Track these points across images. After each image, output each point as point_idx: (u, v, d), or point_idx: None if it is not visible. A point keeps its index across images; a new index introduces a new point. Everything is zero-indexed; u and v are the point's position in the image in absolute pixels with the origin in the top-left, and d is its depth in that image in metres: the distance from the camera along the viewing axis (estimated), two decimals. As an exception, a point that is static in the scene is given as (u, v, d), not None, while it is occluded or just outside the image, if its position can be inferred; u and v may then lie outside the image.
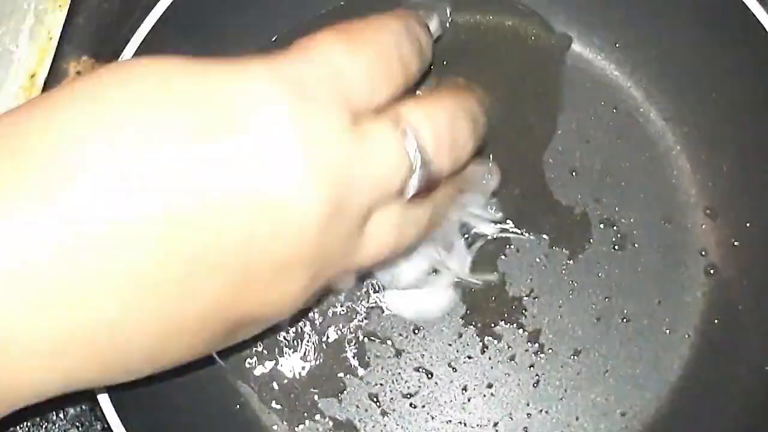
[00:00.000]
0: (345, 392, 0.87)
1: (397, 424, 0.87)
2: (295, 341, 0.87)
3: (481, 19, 0.95)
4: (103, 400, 0.73)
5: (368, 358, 0.88)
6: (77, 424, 0.90)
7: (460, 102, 0.61)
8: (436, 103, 0.58)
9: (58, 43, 0.94)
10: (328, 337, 0.88)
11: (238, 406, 0.86)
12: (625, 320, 0.89)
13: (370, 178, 0.52)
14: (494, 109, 0.73)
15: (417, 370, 0.88)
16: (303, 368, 0.87)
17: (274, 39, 0.93)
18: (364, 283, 0.88)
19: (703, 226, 0.92)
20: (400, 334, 0.88)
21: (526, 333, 0.89)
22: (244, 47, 0.92)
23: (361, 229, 0.54)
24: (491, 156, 0.91)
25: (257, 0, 0.90)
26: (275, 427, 0.87)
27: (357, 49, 0.56)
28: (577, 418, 0.87)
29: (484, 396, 0.88)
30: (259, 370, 0.87)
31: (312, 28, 0.89)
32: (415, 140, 0.54)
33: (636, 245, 0.91)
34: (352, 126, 0.51)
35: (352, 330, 0.88)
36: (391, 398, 0.87)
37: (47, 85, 0.93)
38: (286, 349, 0.87)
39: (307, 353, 0.87)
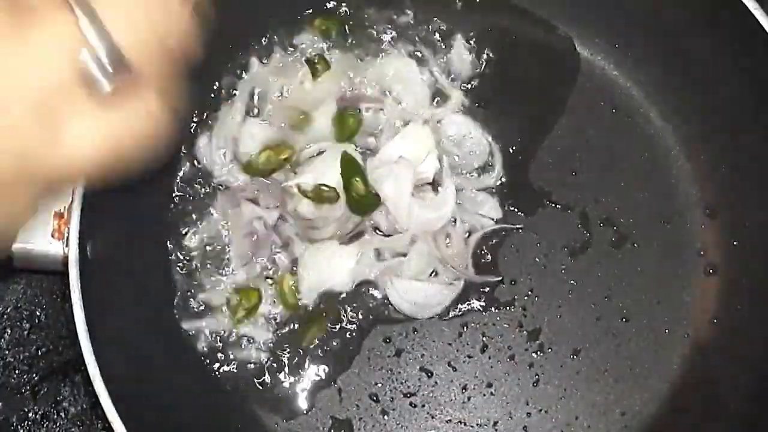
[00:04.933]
0: (345, 391, 0.87)
1: (397, 423, 0.87)
2: (295, 341, 0.88)
3: (481, 19, 0.96)
4: (104, 399, 0.73)
5: (368, 357, 0.88)
6: (78, 423, 0.90)
7: None
8: None
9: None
10: (328, 337, 0.88)
11: (237, 404, 0.87)
12: (624, 320, 0.89)
13: (24, 68, 0.47)
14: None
15: (417, 369, 0.88)
16: (303, 368, 0.87)
17: (270, 43, 0.93)
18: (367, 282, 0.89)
19: (703, 226, 0.92)
20: (400, 334, 0.88)
21: (526, 332, 0.89)
22: (242, 51, 0.93)
23: (46, 129, 0.49)
24: (494, 153, 0.92)
25: (254, 6, 0.90)
26: (276, 426, 0.87)
27: None
28: (576, 418, 0.88)
29: (484, 395, 0.88)
30: (258, 370, 0.87)
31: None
32: (94, 21, 0.47)
33: (635, 245, 0.91)
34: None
35: (352, 330, 0.88)
36: (392, 397, 0.88)
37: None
38: (286, 349, 0.88)
39: (307, 353, 0.87)
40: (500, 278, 0.89)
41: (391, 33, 0.95)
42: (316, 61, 0.91)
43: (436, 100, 0.93)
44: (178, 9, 0.55)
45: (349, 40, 0.94)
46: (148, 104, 0.54)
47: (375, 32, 0.94)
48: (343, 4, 0.94)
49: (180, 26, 0.55)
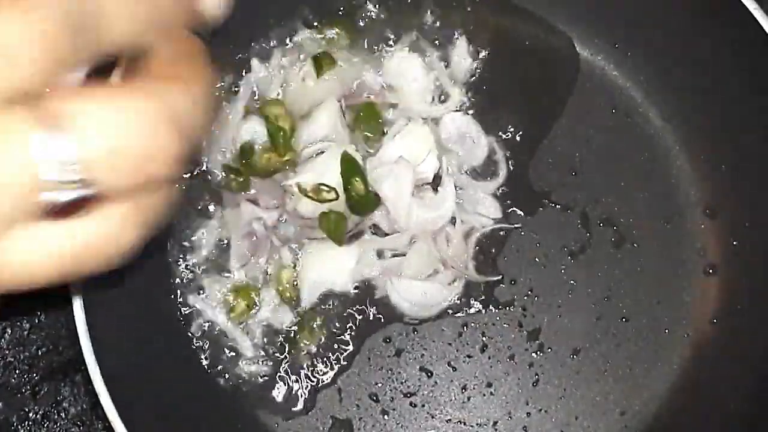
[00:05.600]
0: (345, 391, 0.87)
1: (397, 423, 0.87)
2: (295, 341, 0.88)
3: (481, 19, 0.95)
4: (104, 399, 0.74)
5: (368, 357, 0.88)
6: (78, 423, 0.90)
7: (165, 95, 0.43)
8: (125, 95, 0.42)
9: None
10: (328, 337, 0.88)
11: (238, 404, 0.87)
12: (624, 320, 0.90)
13: None
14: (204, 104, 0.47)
15: (417, 369, 0.88)
16: (303, 368, 0.87)
17: (270, 41, 0.93)
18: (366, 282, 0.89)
19: (703, 226, 0.92)
20: (401, 334, 0.89)
21: (526, 332, 0.89)
22: (241, 50, 0.93)
23: None
24: (498, 154, 0.92)
25: (254, 5, 0.90)
26: (276, 425, 0.87)
27: None
28: (576, 417, 0.88)
29: (484, 395, 0.88)
30: (258, 370, 0.87)
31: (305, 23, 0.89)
32: (64, 146, 0.40)
33: (635, 245, 0.91)
34: None
35: (352, 330, 0.88)
36: (392, 397, 0.88)
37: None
38: (285, 349, 0.88)
39: (306, 354, 0.88)
40: (500, 277, 0.89)
41: (392, 31, 0.95)
42: (321, 58, 0.92)
43: (436, 98, 0.93)
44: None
45: (352, 38, 0.94)
46: (118, 218, 0.44)
47: (376, 30, 0.95)
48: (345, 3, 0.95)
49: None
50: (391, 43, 0.94)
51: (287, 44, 0.94)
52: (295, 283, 0.88)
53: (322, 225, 0.86)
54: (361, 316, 0.88)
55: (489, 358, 0.88)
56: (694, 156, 0.93)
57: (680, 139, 0.94)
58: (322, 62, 0.91)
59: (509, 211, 0.91)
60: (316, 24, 0.94)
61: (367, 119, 0.90)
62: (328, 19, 0.94)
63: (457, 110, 0.93)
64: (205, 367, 0.87)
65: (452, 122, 0.92)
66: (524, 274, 0.90)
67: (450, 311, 0.89)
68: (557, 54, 0.96)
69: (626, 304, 0.90)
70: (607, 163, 0.93)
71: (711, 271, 0.91)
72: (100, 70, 0.44)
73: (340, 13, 0.94)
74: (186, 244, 0.89)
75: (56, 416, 0.90)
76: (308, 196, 0.85)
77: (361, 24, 0.94)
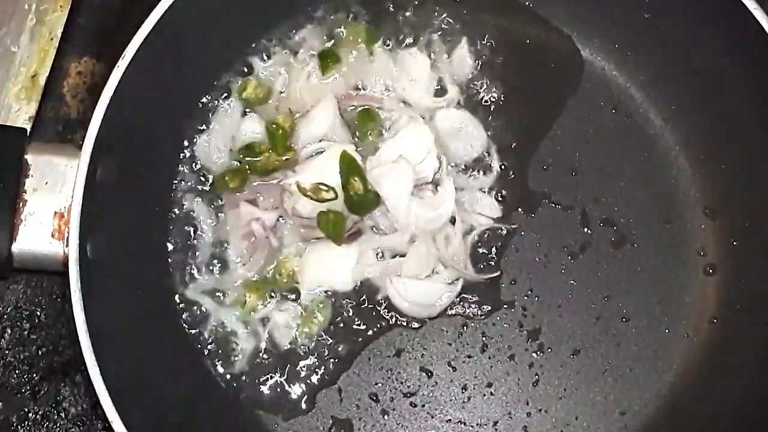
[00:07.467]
0: (345, 391, 0.87)
1: (397, 423, 0.87)
2: (295, 340, 0.88)
3: (482, 19, 0.96)
4: (104, 399, 0.74)
5: (369, 357, 0.88)
6: (78, 423, 0.90)
7: None
8: None
9: (59, 43, 0.94)
10: (328, 337, 0.88)
11: (238, 404, 0.87)
12: (624, 320, 0.90)
13: None
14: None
15: (417, 369, 0.88)
16: (303, 368, 0.87)
17: (271, 39, 0.93)
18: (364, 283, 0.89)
19: (703, 226, 0.92)
20: (401, 334, 0.89)
21: (526, 332, 0.89)
22: (242, 50, 0.93)
23: None
24: (491, 151, 0.92)
25: (255, 3, 0.90)
26: (276, 425, 0.87)
27: None
28: (576, 417, 0.88)
29: (484, 395, 0.88)
30: (259, 370, 0.87)
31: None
32: None
33: (635, 245, 0.91)
34: None
35: (353, 330, 0.88)
36: (392, 397, 0.88)
37: (48, 85, 0.94)
38: (286, 350, 0.88)
39: (307, 353, 0.88)
40: (499, 274, 0.89)
41: (396, 30, 0.94)
42: (327, 55, 0.91)
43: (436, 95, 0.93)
44: None
45: (355, 37, 0.94)
46: None
47: (379, 29, 0.94)
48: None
49: None
50: (393, 42, 0.94)
51: (289, 43, 0.93)
52: (295, 282, 0.88)
53: (321, 224, 0.86)
54: (361, 316, 0.88)
55: (489, 358, 0.88)
56: (694, 156, 0.93)
57: (680, 139, 0.94)
58: (328, 59, 0.91)
59: (509, 211, 0.91)
60: (321, 23, 0.94)
61: (365, 120, 0.90)
62: (330, 18, 0.94)
63: (455, 107, 0.93)
64: (205, 367, 0.87)
65: (449, 118, 0.92)
66: (524, 274, 0.90)
67: (450, 311, 0.89)
68: (558, 54, 0.96)
69: (626, 304, 0.90)
70: (607, 163, 0.93)
71: (711, 271, 0.91)
72: None
73: (342, 12, 0.94)
74: (186, 244, 0.89)
75: (56, 416, 0.90)
76: (307, 196, 0.85)
77: (364, 23, 0.94)
